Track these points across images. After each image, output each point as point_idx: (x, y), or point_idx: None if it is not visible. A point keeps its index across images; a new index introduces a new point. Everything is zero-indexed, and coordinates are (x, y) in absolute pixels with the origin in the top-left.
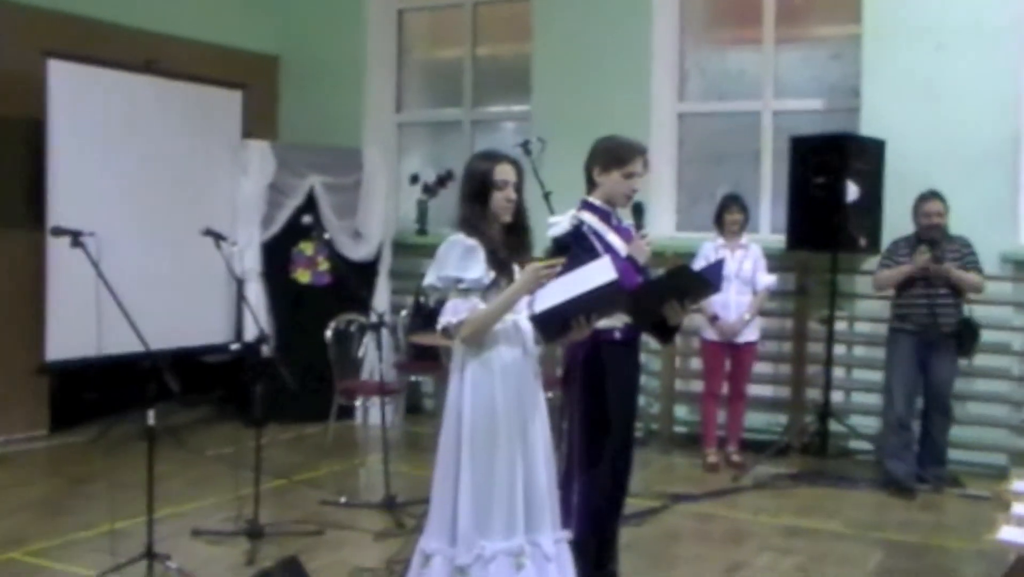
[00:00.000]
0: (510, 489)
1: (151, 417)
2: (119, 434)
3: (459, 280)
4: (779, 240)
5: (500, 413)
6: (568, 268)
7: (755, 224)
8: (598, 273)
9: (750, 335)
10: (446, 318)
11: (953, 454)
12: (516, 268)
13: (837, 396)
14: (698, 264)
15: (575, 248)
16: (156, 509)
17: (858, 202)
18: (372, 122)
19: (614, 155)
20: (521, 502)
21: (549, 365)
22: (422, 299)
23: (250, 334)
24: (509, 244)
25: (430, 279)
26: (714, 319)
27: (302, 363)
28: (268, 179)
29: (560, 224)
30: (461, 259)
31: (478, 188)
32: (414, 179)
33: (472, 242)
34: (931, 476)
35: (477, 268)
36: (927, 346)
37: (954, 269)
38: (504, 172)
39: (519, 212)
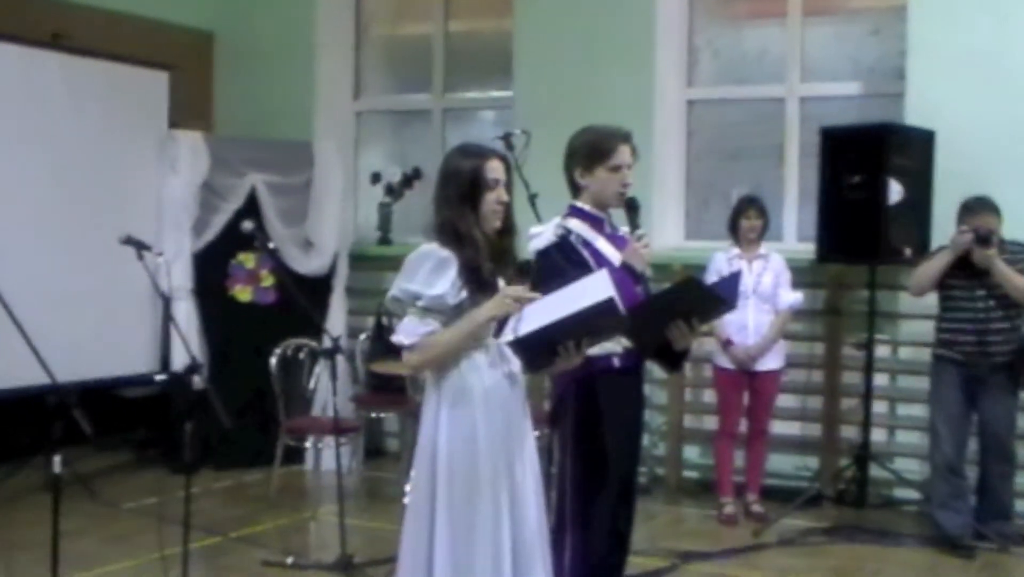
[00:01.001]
0: (495, 542)
1: (57, 464)
2: (19, 484)
3: (418, 296)
4: (806, 250)
5: (482, 451)
6: (555, 286)
7: (777, 231)
8: (593, 289)
9: (772, 362)
10: (397, 338)
11: (1021, 506)
12: (502, 284)
13: (878, 435)
14: (710, 278)
15: (562, 263)
16: (62, 574)
17: (902, 204)
18: (325, 111)
19: (594, 149)
20: (508, 554)
21: (535, 397)
22: (385, 320)
23: (179, 363)
24: (494, 256)
25: (394, 291)
26: (728, 344)
27: (241, 397)
28: (201, 177)
29: (542, 235)
30: (430, 273)
31: (467, 189)
32: (375, 178)
33: (446, 254)
34: (992, 532)
35: (442, 284)
36: (976, 378)
37: (1001, 263)
38: (495, 169)
39: (507, 217)
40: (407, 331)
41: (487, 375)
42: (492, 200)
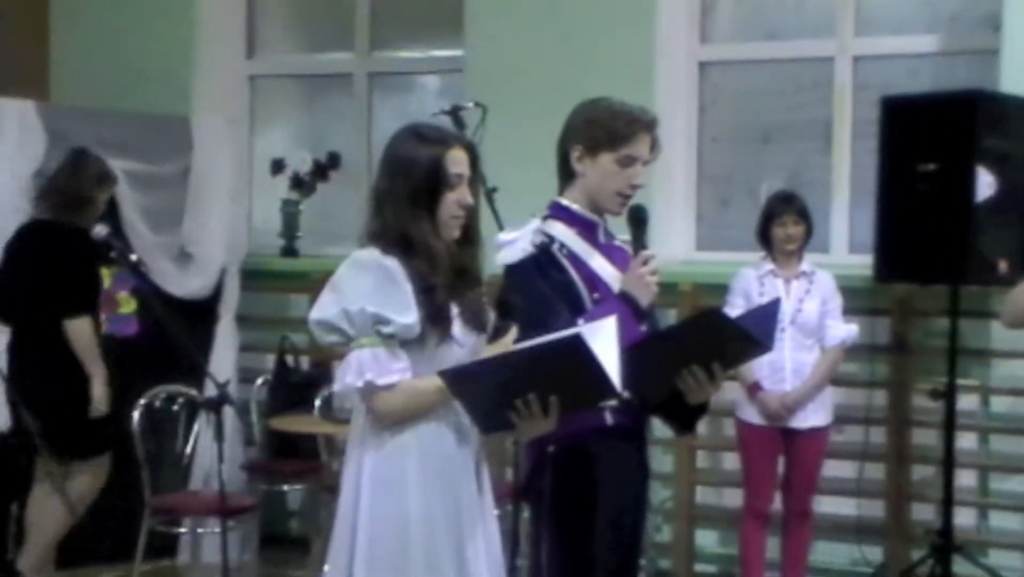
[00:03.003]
0: None
1: None
2: None
3: (383, 320)
4: (862, 265)
5: (415, 536)
6: (532, 314)
7: (823, 240)
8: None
9: (816, 417)
10: (365, 376)
11: None
12: (455, 313)
13: (964, 517)
14: (734, 304)
15: (539, 284)
16: None
17: (995, 202)
18: (207, 74)
19: (605, 129)
20: None
21: (498, 463)
22: (290, 358)
23: (1, 419)
24: (450, 272)
25: (326, 312)
26: (756, 390)
27: None
28: (34, 163)
29: (516, 244)
30: (382, 289)
31: (422, 185)
32: (277, 167)
33: (392, 263)
34: None
35: (406, 305)
36: None
37: None
38: (458, 162)
39: (470, 225)
40: (379, 368)
41: (426, 432)
42: (452, 203)
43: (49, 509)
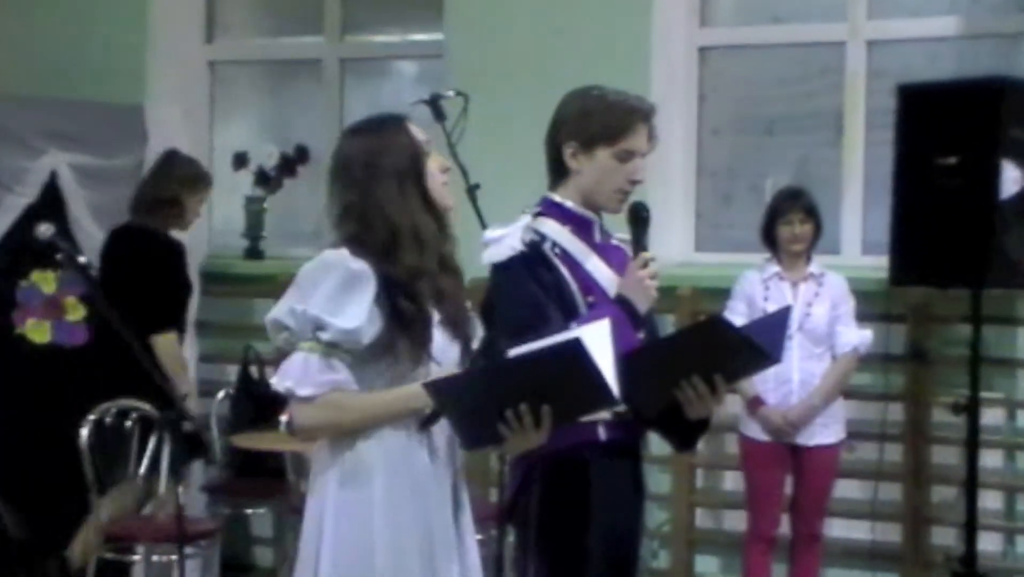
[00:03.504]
0: None
1: None
2: None
3: (321, 325)
4: (876, 267)
5: (382, 567)
6: (519, 317)
7: (834, 240)
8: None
9: (826, 433)
10: (283, 382)
11: None
12: (436, 320)
13: (988, 542)
14: (736, 310)
15: (530, 286)
16: None
17: (1021, 198)
18: (163, 59)
19: (600, 122)
20: None
21: (480, 481)
22: (254, 369)
23: None
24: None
25: (278, 309)
26: (759, 404)
27: (34, 488)
28: None
29: (504, 241)
30: (338, 292)
31: (408, 164)
32: (240, 161)
33: (360, 267)
34: None
35: (356, 313)
36: None
37: None
38: (419, 131)
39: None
40: (303, 375)
41: (394, 445)
42: (435, 170)
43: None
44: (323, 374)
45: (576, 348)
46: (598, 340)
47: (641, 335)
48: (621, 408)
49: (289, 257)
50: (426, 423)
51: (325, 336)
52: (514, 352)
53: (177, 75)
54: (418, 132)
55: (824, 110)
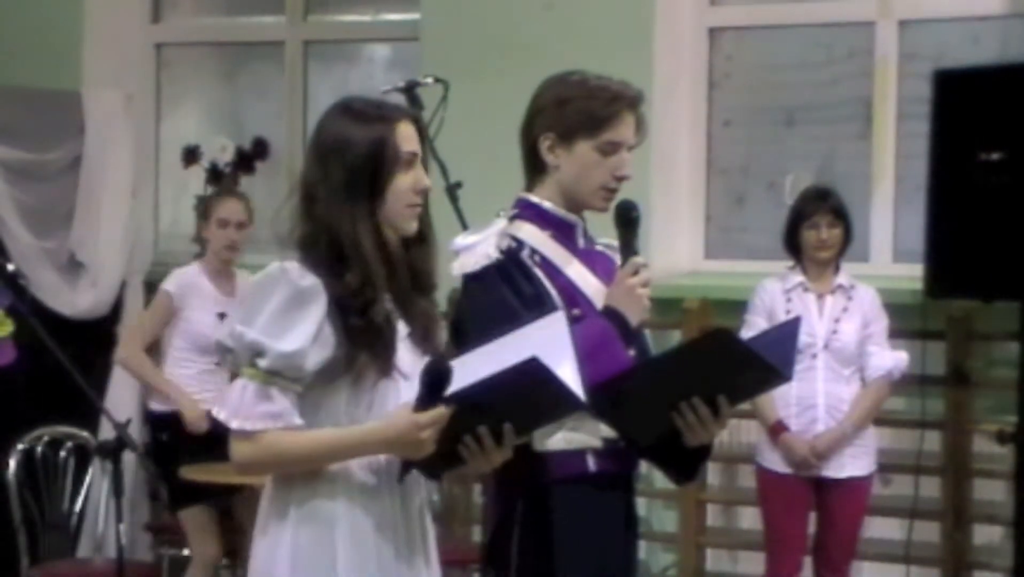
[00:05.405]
0: None
1: None
2: None
3: (260, 352)
4: (909, 277)
5: None
6: (492, 333)
7: (862, 246)
8: (524, 341)
9: (855, 464)
10: (222, 412)
11: None
12: (402, 335)
13: None
14: (755, 326)
15: (507, 297)
16: None
17: None
18: (102, 40)
19: (581, 111)
20: None
21: (458, 519)
22: None
23: None
24: (397, 284)
25: (224, 331)
26: (779, 430)
27: None
28: None
29: (477, 249)
30: (283, 312)
31: (364, 171)
32: (191, 155)
33: (309, 283)
34: None
35: (296, 335)
36: None
37: None
38: (409, 138)
39: (423, 217)
40: (239, 404)
41: (356, 483)
42: (407, 189)
43: None
44: (258, 405)
45: (535, 368)
46: (554, 337)
47: (632, 352)
48: (587, 409)
49: (246, 265)
50: (404, 473)
51: (263, 363)
52: (457, 361)
53: (118, 58)
54: (408, 140)
55: (851, 98)
